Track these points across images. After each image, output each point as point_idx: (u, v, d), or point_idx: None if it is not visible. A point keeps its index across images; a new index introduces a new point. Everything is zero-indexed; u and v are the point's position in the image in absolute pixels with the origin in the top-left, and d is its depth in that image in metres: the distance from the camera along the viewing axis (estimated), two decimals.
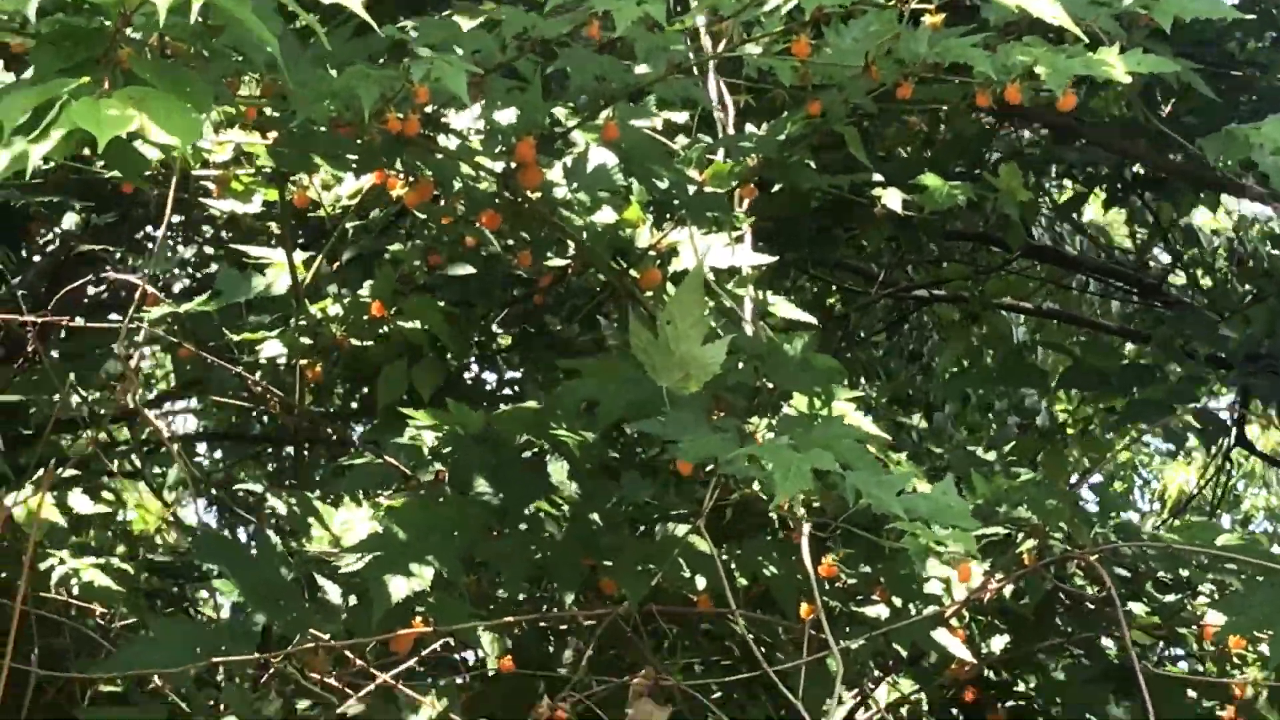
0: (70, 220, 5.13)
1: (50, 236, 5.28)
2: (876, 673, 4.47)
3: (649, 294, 4.17)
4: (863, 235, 6.54)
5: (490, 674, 4.04)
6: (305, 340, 4.55)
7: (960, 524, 3.36)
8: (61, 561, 4.30)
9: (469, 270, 4.83)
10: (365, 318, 4.52)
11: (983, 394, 7.81)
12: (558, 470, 4.26)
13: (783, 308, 4.17)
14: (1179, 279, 8.09)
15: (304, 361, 4.63)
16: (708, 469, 4.14)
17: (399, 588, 3.78)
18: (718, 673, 4.55)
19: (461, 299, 4.79)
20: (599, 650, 4.00)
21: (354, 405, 5.36)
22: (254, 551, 4.00)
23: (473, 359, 5.61)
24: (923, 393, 7.93)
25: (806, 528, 3.88)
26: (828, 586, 4.31)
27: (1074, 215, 8.07)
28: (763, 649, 4.09)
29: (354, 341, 4.58)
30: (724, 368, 3.57)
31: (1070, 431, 8.02)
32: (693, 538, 4.09)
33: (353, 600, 3.97)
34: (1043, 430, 7.64)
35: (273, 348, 4.57)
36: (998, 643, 4.60)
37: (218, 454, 6.62)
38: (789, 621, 4.15)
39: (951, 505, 3.39)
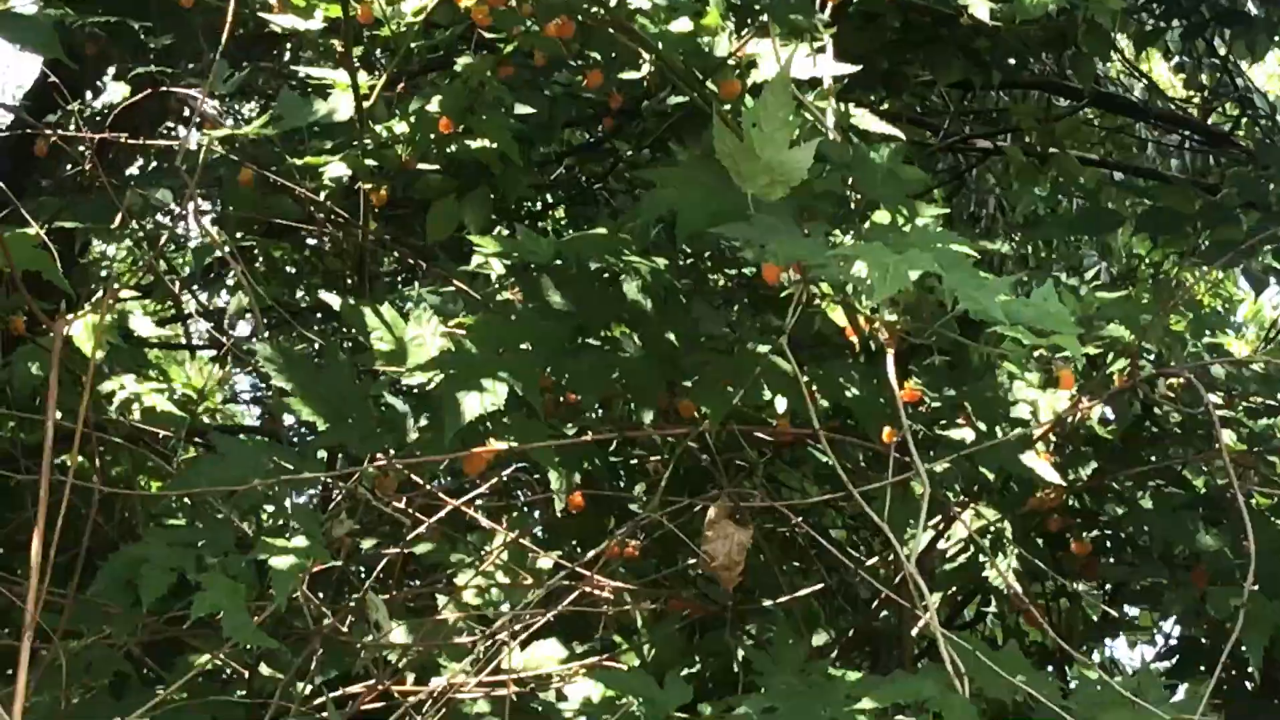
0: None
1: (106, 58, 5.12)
2: (962, 498, 4.34)
3: (728, 107, 4.01)
4: (934, 70, 6.34)
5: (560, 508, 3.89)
6: (370, 162, 4.40)
7: (1063, 329, 3.21)
8: (122, 386, 4.19)
9: (529, 110, 4.69)
10: (432, 136, 4.36)
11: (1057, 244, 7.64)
12: (632, 290, 4.13)
13: (866, 119, 4.01)
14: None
15: (368, 186, 4.48)
16: (785, 290, 4.02)
17: (472, 405, 3.66)
18: (798, 496, 4.43)
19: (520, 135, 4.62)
20: (675, 475, 3.89)
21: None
22: (320, 367, 3.87)
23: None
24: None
25: (891, 352, 3.76)
26: (911, 410, 4.18)
27: (1139, 66, 7.85)
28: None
29: (422, 166, 4.43)
30: (810, 175, 3.42)
31: (1144, 278, 7.84)
32: (774, 358, 3.96)
33: (423, 420, 3.85)
34: (1122, 275, 7.46)
35: (336, 169, 4.42)
36: (1084, 472, 4.45)
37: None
38: (872, 444, 4.01)
39: (1053, 310, 3.24)
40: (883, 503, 3.58)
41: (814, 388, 4.05)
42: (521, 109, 4.67)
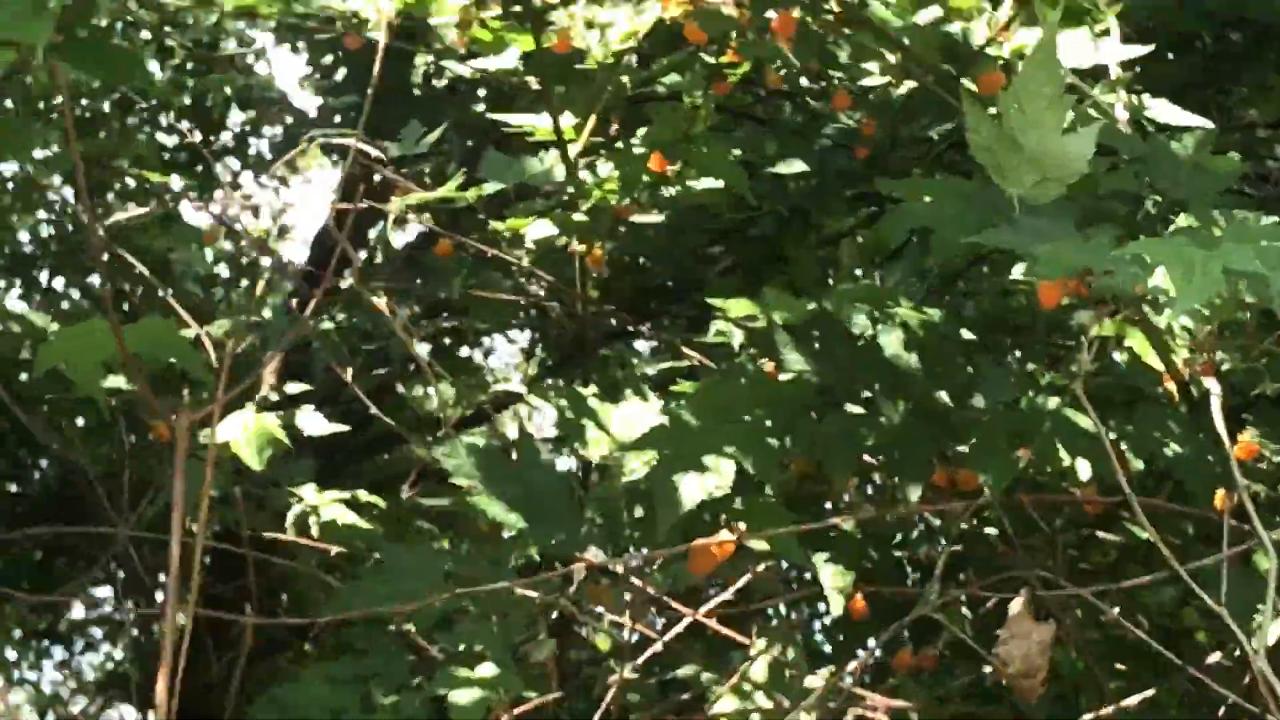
0: None
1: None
2: None
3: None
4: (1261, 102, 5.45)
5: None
6: (579, 217, 3.74)
7: None
8: (298, 499, 3.56)
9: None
10: (644, 177, 3.68)
11: None
12: (893, 343, 3.39)
13: (1164, 110, 3.23)
14: None
15: (580, 247, 3.82)
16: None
17: (692, 489, 2.97)
18: (1109, 578, 3.63)
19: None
20: (958, 558, 3.14)
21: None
22: (516, 459, 3.20)
23: None
24: None
25: (1216, 390, 3.00)
26: (1249, 468, 3.39)
27: None
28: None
29: (637, 215, 3.76)
30: (1093, 168, 2.68)
31: None
32: (1068, 410, 3.20)
33: (638, 512, 3.15)
34: None
35: (541, 228, 3.76)
36: None
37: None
38: (1201, 510, 3.22)
39: None
40: (1218, 583, 2.77)
41: (1122, 445, 3.28)
42: (795, 165, 3.99)
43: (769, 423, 3.14)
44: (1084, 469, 3.26)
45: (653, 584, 3.12)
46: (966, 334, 3.50)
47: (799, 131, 4.16)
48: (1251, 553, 3.16)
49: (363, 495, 3.61)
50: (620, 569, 3.06)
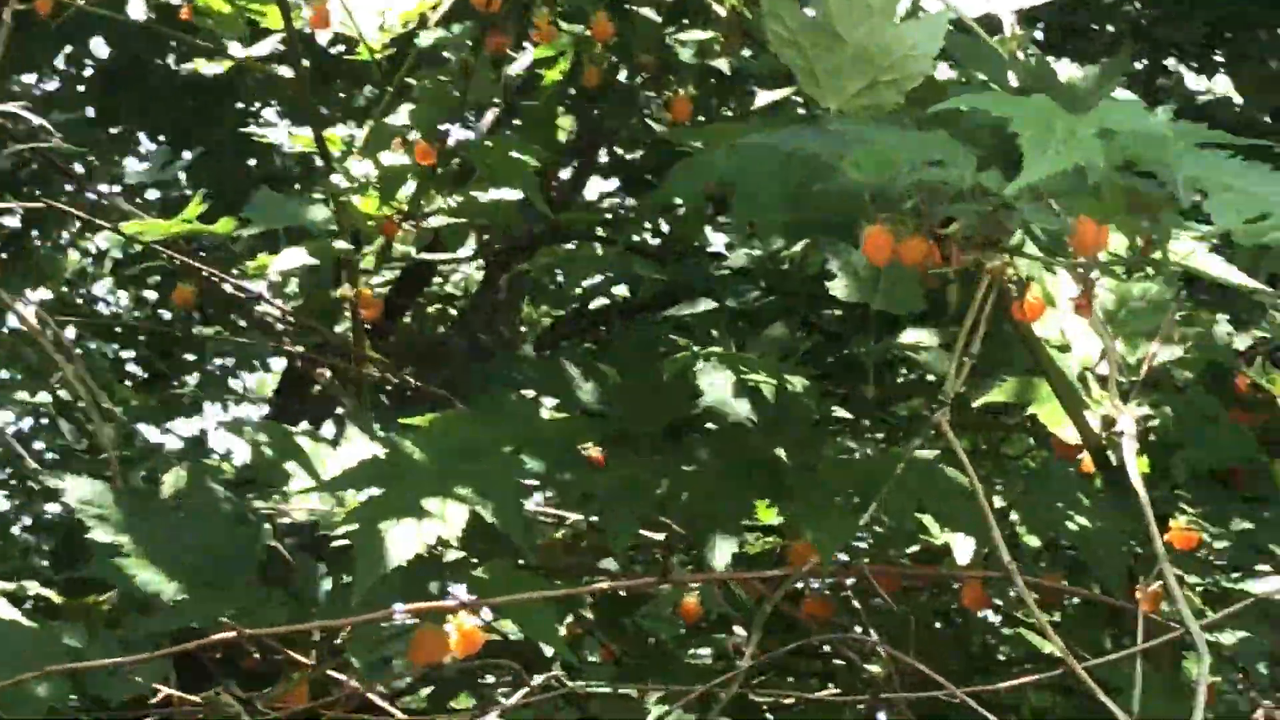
0: None
1: None
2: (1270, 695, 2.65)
3: None
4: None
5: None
6: (342, 245, 2.92)
7: None
8: None
9: None
10: (413, 173, 2.87)
11: None
12: (717, 387, 2.58)
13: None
14: None
15: (348, 291, 3.00)
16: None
17: (405, 540, 2.13)
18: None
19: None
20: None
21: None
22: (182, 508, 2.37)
23: None
24: None
25: (1131, 447, 2.22)
26: (1183, 558, 2.60)
27: None
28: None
29: (405, 226, 2.94)
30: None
31: None
32: (925, 457, 2.41)
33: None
34: None
35: (290, 258, 2.95)
36: None
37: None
38: (1113, 599, 2.41)
39: None
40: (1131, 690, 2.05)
41: (1011, 515, 2.47)
42: None
43: (532, 464, 2.32)
44: (962, 547, 2.45)
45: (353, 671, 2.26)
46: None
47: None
48: (1180, 656, 2.37)
49: None
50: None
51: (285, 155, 3.27)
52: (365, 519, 2.16)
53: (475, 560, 2.31)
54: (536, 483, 2.38)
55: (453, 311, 4.85)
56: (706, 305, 3.17)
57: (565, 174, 4.30)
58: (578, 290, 3.85)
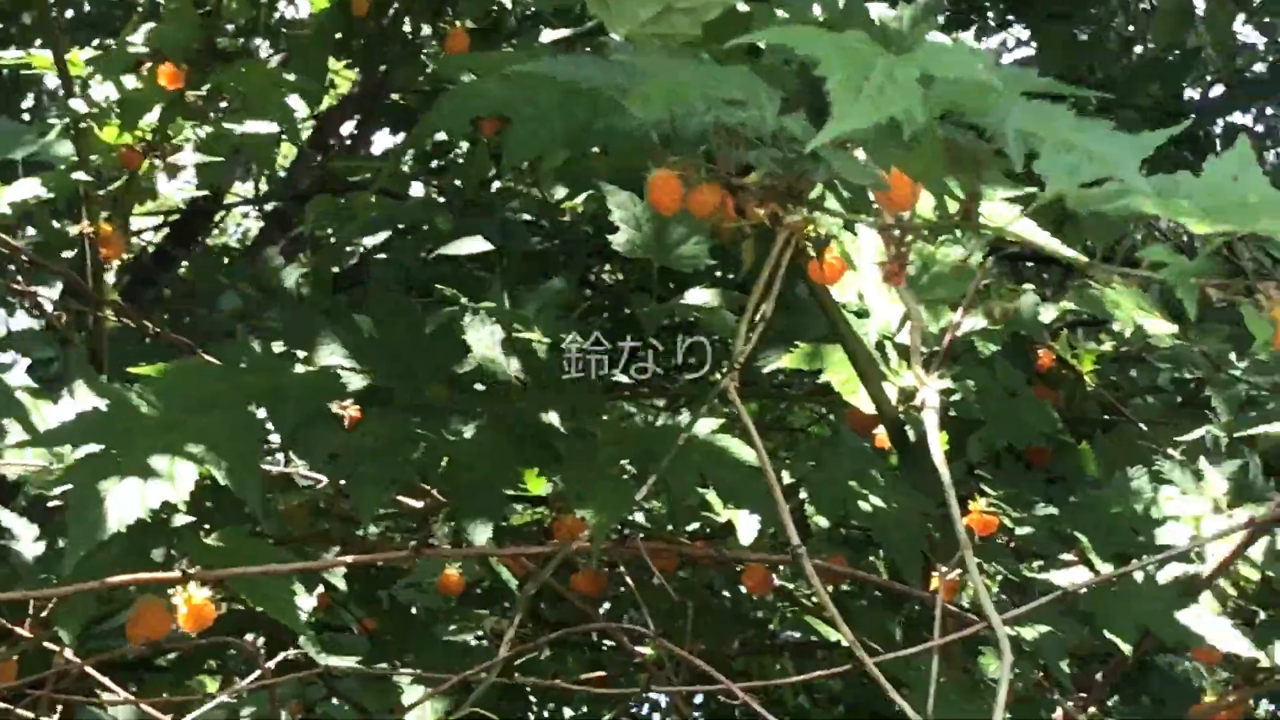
0: None
1: None
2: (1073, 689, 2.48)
3: None
4: None
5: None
6: (83, 176, 2.65)
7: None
8: None
9: None
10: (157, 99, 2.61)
11: None
12: (484, 343, 2.37)
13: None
14: None
15: (88, 227, 2.74)
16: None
17: (127, 501, 1.89)
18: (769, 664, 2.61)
19: None
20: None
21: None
22: None
23: None
24: None
25: (933, 419, 2.02)
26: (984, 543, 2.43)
27: None
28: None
29: (154, 160, 2.68)
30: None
31: None
32: (709, 426, 2.21)
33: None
34: None
35: (22, 189, 2.67)
36: None
37: None
38: (906, 587, 2.23)
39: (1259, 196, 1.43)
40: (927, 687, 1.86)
41: (801, 493, 2.28)
42: None
43: (265, 420, 2.09)
44: (746, 525, 2.26)
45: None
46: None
47: None
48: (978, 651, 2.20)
49: None
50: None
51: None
52: (82, 478, 1.92)
53: (208, 526, 2.07)
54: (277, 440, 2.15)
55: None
56: (480, 246, 2.95)
57: (348, 129, 4.07)
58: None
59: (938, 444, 1.99)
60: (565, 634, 2.32)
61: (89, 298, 2.81)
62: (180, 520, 2.08)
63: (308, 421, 2.14)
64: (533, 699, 2.94)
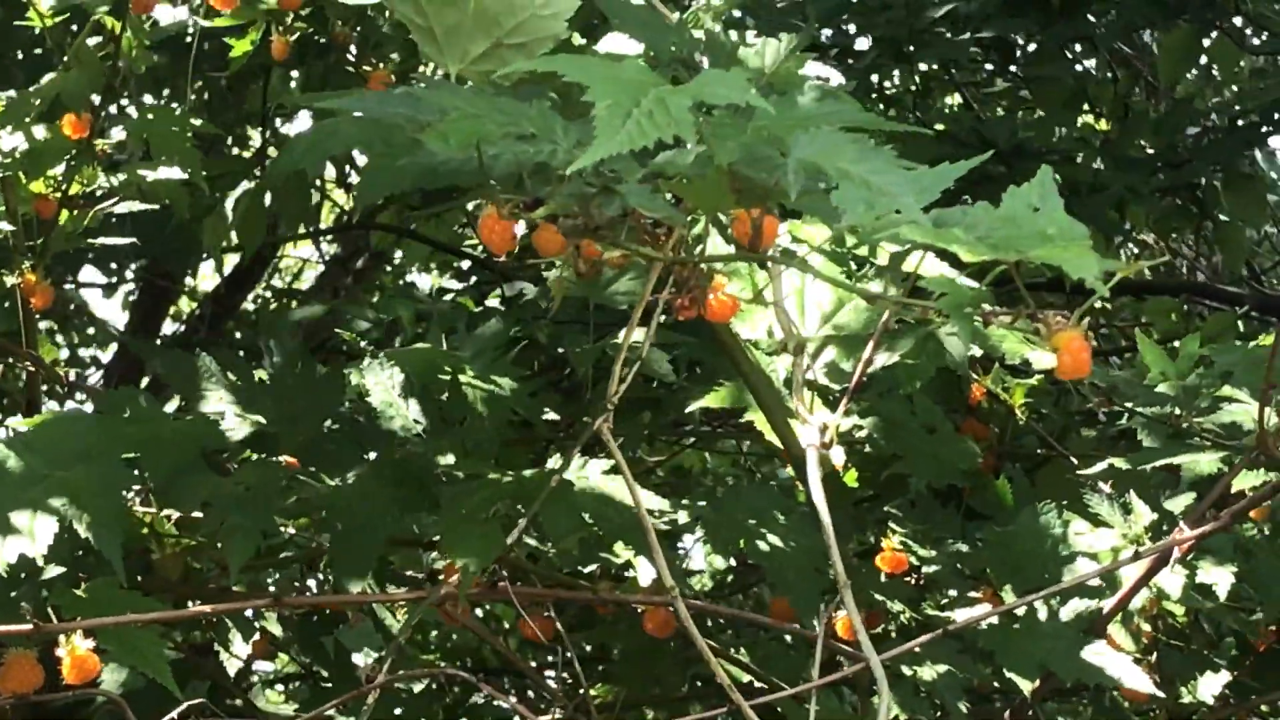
0: None
1: None
2: None
3: None
4: None
5: None
6: (6, 226, 2.65)
7: (1077, 259, 1.36)
8: None
9: None
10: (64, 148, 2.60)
11: None
12: (382, 385, 2.35)
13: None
14: None
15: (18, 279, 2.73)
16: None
17: None
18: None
19: None
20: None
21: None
22: None
23: None
24: None
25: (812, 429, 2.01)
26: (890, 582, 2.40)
27: None
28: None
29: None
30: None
31: None
32: (599, 468, 2.18)
33: None
34: None
35: None
36: (1209, 681, 2.52)
37: None
38: (799, 628, 2.20)
39: (1056, 226, 1.39)
40: None
41: (696, 533, 2.26)
42: None
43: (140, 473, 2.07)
44: (645, 567, 2.24)
45: None
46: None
47: None
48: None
49: None
50: None
51: None
52: None
53: (83, 576, 2.05)
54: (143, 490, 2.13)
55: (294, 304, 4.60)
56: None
57: None
58: None
59: (818, 483, 1.97)
60: (480, 680, 2.29)
61: (15, 351, 2.79)
62: (53, 571, 2.06)
63: (182, 471, 2.12)
64: None
